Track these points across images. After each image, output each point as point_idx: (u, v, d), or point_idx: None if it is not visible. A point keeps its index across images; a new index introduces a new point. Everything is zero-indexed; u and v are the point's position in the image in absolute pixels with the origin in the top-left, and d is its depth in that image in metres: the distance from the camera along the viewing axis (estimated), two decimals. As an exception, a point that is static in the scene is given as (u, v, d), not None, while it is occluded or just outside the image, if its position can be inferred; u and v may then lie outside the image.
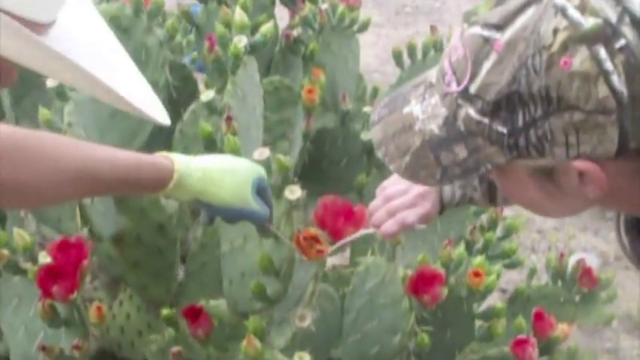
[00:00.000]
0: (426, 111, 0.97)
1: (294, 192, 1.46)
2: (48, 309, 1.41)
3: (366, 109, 2.37)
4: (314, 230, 1.45)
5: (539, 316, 1.87)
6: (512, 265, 2.37)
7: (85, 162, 1.14)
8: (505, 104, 0.89)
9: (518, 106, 0.88)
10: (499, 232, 2.41)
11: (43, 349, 1.42)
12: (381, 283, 1.82)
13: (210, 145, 1.72)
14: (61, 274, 1.38)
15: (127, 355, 2.04)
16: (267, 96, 2.31)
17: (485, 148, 0.93)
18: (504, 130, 0.90)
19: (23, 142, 1.10)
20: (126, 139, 1.82)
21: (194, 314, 1.54)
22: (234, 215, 1.38)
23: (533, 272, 2.45)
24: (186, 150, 1.86)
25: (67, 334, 1.51)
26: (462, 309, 1.88)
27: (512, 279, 3.11)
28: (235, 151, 1.57)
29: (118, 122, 1.81)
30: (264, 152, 1.49)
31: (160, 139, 2.17)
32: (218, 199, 1.33)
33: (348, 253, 2.24)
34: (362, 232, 1.42)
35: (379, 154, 1.02)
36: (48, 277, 1.38)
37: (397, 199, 1.36)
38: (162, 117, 1.04)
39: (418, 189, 1.36)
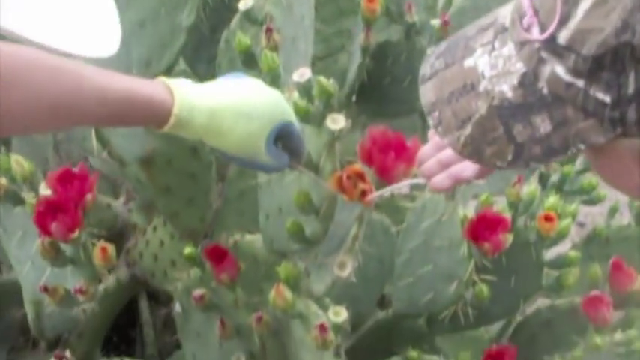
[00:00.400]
0: (495, 65, 0.75)
1: (337, 121, 1.25)
2: (49, 247, 1.24)
3: (435, 21, 2.11)
4: (359, 167, 1.24)
5: (617, 266, 1.65)
6: (592, 202, 2.11)
7: (66, 94, 0.94)
8: (610, 62, 0.66)
9: (629, 65, 0.65)
10: (578, 164, 2.15)
11: (45, 289, 1.25)
12: (437, 224, 1.61)
13: (249, 61, 1.50)
14: (61, 210, 1.21)
15: (160, 285, 1.88)
16: (324, 4, 2.07)
17: (578, 122, 0.71)
18: (606, 98, 0.68)
19: None
20: (155, 50, 1.61)
21: (218, 256, 1.36)
22: (242, 164, 1.18)
23: (614, 210, 2.20)
24: (232, 63, 1.66)
25: (74, 273, 1.35)
26: (529, 255, 1.66)
27: (591, 212, 2.84)
28: (273, 70, 1.36)
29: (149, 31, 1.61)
30: (304, 73, 1.27)
31: (206, 47, 1.96)
32: (223, 147, 1.13)
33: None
34: (411, 181, 1.20)
35: (430, 121, 0.80)
36: (47, 213, 1.20)
37: None
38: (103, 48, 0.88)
39: None
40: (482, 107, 0.77)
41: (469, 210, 1.54)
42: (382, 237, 1.79)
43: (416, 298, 1.68)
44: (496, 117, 0.76)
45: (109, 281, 1.93)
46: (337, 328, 1.27)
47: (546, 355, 1.75)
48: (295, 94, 1.29)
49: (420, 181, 1.16)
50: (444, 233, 1.60)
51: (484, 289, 1.54)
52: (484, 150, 0.79)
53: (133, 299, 2.09)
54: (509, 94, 0.75)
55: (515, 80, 0.74)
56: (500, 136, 0.77)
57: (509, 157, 0.77)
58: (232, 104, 1.09)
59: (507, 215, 1.54)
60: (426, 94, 0.83)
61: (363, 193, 1.20)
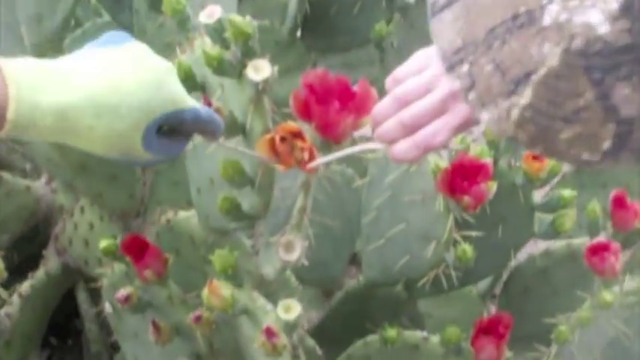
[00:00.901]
0: None
1: (261, 69, 0.97)
2: None
3: None
4: (295, 124, 0.97)
5: (619, 202, 1.40)
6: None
7: None
8: None
9: None
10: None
11: None
12: (405, 176, 1.35)
13: (156, 3, 1.22)
14: None
15: (95, 273, 1.61)
16: None
17: None
18: None
19: None
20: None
21: (138, 249, 1.10)
22: (120, 163, 0.90)
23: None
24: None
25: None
26: (516, 201, 1.41)
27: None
28: (178, 13, 1.08)
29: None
30: (214, 12, 1.00)
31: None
32: (84, 148, 0.84)
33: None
34: (364, 146, 0.94)
35: (455, 79, 0.55)
36: None
37: (417, 101, 0.86)
38: None
39: (449, 82, 0.80)
40: (551, 55, 0.48)
41: (441, 158, 1.28)
42: (346, 191, 1.53)
43: (389, 264, 1.43)
44: (579, 71, 0.48)
45: (38, 275, 1.67)
46: (290, 326, 1.01)
47: (544, 310, 1.51)
48: (207, 41, 1.02)
49: (376, 146, 0.89)
50: (414, 186, 1.34)
51: (467, 249, 1.29)
52: (557, 132, 0.51)
53: (71, 291, 1.82)
54: (604, 28, 0.47)
55: (614, 3, 0.46)
56: (589, 107, 0.49)
57: (606, 145, 0.50)
58: (91, 96, 0.80)
59: (488, 158, 1.27)
60: (444, 33, 0.57)
61: (303, 161, 0.93)
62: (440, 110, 0.84)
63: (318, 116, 0.98)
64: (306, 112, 0.99)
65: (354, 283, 1.54)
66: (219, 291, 1.03)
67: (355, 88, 0.99)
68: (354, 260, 1.93)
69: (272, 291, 1.28)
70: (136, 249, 1.11)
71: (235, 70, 1.00)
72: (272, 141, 0.97)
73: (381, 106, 0.87)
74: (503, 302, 1.73)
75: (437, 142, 0.85)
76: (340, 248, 1.63)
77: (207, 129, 0.92)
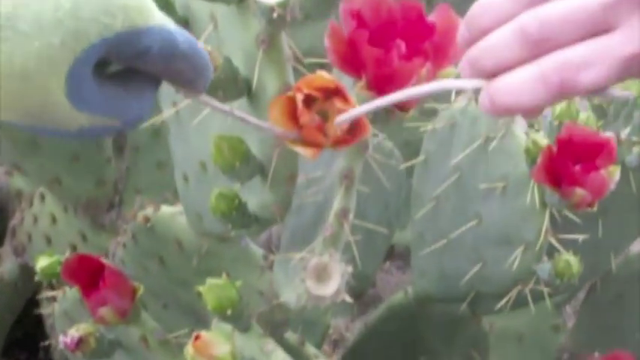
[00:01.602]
0: None
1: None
2: None
3: None
4: (329, 78, 0.58)
5: None
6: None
7: None
8: None
9: None
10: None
11: None
12: (480, 154, 0.95)
13: None
14: None
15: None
16: None
17: None
18: None
19: None
20: None
21: (88, 276, 0.71)
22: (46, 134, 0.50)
23: None
24: None
25: None
26: (625, 187, 1.01)
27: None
28: None
29: None
30: None
31: None
32: None
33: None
34: (442, 83, 0.53)
35: None
36: None
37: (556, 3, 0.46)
38: None
39: None
40: None
41: (537, 131, 0.88)
42: (384, 169, 1.14)
43: (452, 274, 1.04)
44: None
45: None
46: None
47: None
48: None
49: (470, 83, 0.49)
50: (494, 170, 0.95)
51: (572, 261, 0.89)
52: None
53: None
54: None
55: None
56: None
57: None
58: None
59: (597, 131, 0.88)
60: None
61: (343, 139, 0.55)
62: (596, 24, 0.45)
63: (373, 65, 0.58)
64: (350, 59, 0.59)
65: (401, 297, 1.15)
66: (210, 350, 0.65)
67: (431, 17, 0.60)
68: (391, 254, 1.56)
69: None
70: (86, 275, 0.73)
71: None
72: (293, 105, 0.58)
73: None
74: (586, 314, 1.35)
75: (584, 83, 0.45)
76: (374, 240, 1.25)
77: (186, 71, 0.51)
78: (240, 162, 0.67)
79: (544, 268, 0.93)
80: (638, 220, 1.09)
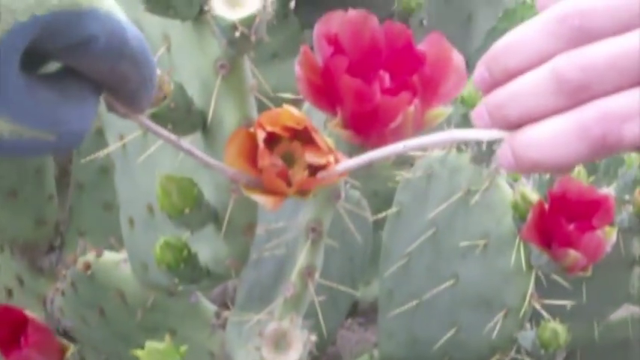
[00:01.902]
0: None
1: (240, 3, 0.49)
2: None
3: None
4: (296, 115, 0.48)
5: None
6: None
7: None
8: None
9: None
10: None
11: None
12: (460, 209, 0.87)
13: None
14: None
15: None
16: None
17: None
18: None
19: None
20: None
21: (10, 332, 0.60)
22: None
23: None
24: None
25: None
26: (613, 250, 0.92)
27: None
28: None
29: None
30: None
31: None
32: None
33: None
34: (454, 134, 0.44)
35: None
36: None
37: (599, 44, 0.37)
38: None
39: None
40: None
41: (525, 184, 0.79)
42: (354, 220, 1.05)
43: (423, 338, 0.94)
44: None
45: None
46: None
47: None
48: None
49: (488, 134, 0.40)
50: (474, 226, 0.86)
51: (559, 330, 0.80)
52: None
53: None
54: None
55: None
56: None
57: None
58: None
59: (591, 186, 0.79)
60: None
61: (308, 182, 0.46)
62: None
63: (351, 99, 0.49)
64: (324, 91, 0.50)
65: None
66: None
67: (422, 46, 0.51)
68: (354, 310, 1.46)
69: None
70: (7, 330, 0.62)
71: (191, 5, 0.51)
72: (253, 143, 0.48)
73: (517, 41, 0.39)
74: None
75: (629, 136, 0.37)
76: (337, 296, 1.15)
77: (132, 77, 0.41)
78: (190, 208, 0.57)
79: (527, 336, 0.84)
80: (626, 286, 1.01)
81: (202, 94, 0.55)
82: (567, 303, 0.83)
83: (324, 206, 0.58)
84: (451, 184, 0.88)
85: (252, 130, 0.48)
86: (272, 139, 0.48)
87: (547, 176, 0.79)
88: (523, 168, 0.39)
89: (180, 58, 0.57)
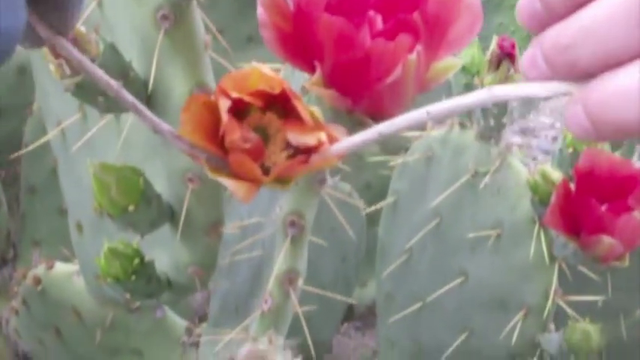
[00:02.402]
0: None
1: None
2: None
3: None
4: (271, 75, 0.36)
5: None
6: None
7: None
8: None
9: None
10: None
11: None
12: (466, 194, 0.75)
13: None
14: None
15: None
16: None
17: None
18: None
19: None
20: None
21: None
22: None
23: None
24: None
25: None
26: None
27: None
28: None
29: None
30: None
31: None
32: None
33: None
34: (502, 88, 0.32)
35: None
36: None
37: None
38: None
39: None
40: None
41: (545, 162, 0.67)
42: (345, 215, 0.94)
43: (430, 345, 0.82)
44: None
45: None
46: None
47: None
48: None
49: (548, 88, 0.28)
50: (484, 213, 0.74)
51: (591, 331, 0.68)
52: None
53: None
54: None
55: None
56: None
57: None
58: None
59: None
60: None
61: (292, 165, 0.33)
62: None
63: (333, 47, 0.37)
64: (298, 41, 0.38)
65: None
66: None
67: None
68: (349, 314, 1.36)
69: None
70: None
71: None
72: (213, 116, 0.36)
73: None
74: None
75: None
76: (330, 300, 1.04)
77: None
78: (135, 204, 0.45)
79: (551, 339, 0.72)
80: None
81: (143, 55, 0.43)
82: (598, 299, 0.72)
83: (306, 194, 0.46)
84: (455, 167, 0.76)
85: (210, 99, 0.36)
86: (237, 111, 0.36)
87: (569, 151, 0.67)
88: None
89: (114, 12, 0.44)
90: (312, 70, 0.38)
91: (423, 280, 0.82)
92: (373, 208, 0.89)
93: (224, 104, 0.35)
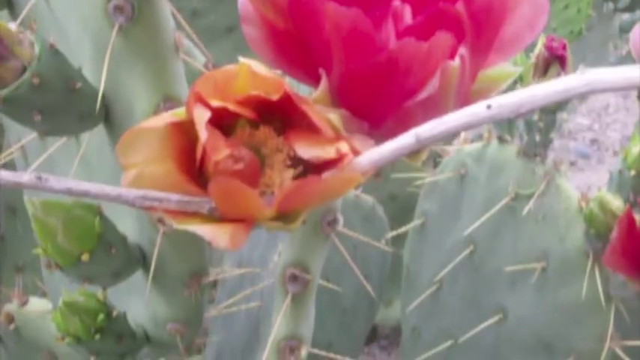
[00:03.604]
0: None
1: None
2: None
3: None
4: (263, 77, 0.25)
5: None
6: None
7: None
8: None
9: None
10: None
11: None
12: (506, 217, 0.64)
13: None
14: None
15: None
16: None
17: None
18: None
19: None
20: None
21: None
22: None
23: None
24: None
25: None
26: None
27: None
28: None
29: None
30: None
31: None
32: None
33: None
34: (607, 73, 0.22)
35: None
36: None
37: None
38: None
39: None
40: None
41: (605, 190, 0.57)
42: (369, 230, 0.84)
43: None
44: None
45: None
46: None
47: None
48: None
49: None
50: (529, 244, 0.63)
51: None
52: None
53: None
54: None
55: None
56: None
57: None
58: None
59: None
60: None
61: (295, 188, 0.23)
62: None
63: (344, 49, 0.27)
64: (294, 42, 0.27)
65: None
66: None
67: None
68: (374, 334, 1.29)
69: None
70: None
71: None
72: (186, 137, 0.26)
73: None
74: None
75: None
76: (352, 322, 0.95)
77: None
78: (90, 251, 0.34)
79: (605, 392, 0.61)
80: None
81: (95, 60, 0.32)
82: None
83: (312, 240, 0.36)
84: (493, 188, 0.65)
85: (179, 115, 0.26)
86: (218, 126, 0.26)
87: (632, 173, 0.56)
88: None
89: (62, 5, 0.34)
90: (315, 80, 0.28)
91: (455, 316, 0.71)
92: (400, 230, 0.79)
93: (201, 116, 0.25)
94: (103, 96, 0.32)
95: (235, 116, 0.27)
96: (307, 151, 0.25)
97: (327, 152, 0.25)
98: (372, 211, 0.92)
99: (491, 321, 0.69)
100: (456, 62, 0.26)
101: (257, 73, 0.26)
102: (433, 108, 0.27)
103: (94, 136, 0.36)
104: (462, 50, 0.26)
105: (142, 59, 0.31)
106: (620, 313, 0.63)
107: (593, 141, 1.63)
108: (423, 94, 0.26)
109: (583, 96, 0.20)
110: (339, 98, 0.28)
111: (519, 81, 0.61)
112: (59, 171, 0.44)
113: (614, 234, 0.51)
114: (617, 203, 0.54)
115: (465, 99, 0.28)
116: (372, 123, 0.28)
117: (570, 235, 0.61)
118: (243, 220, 0.27)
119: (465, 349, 0.73)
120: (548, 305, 0.65)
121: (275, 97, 0.26)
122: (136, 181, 0.26)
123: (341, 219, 0.36)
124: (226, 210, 0.27)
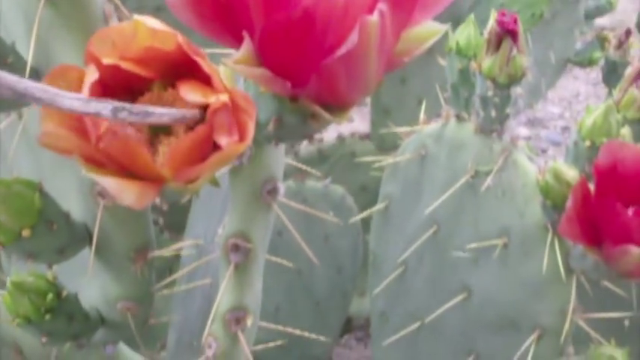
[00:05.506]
0: None
1: None
2: None
3: None
4: (159, 32, 0.25)
5: None
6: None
7: None
8: None
9: None
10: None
11: None
12: (467, 198, 0.64)
13: None
14: None
15: None
16: None
17: None
18: None
19: None
20: None
21: None
22: None
23: None
24: None
25: None
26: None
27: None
28: None
29: None
30: None
31: None
32: None
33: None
34: None
35: None
36: None
37: None
38: None
39: None
40: None
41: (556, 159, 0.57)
42: (334, 224, 0.85)
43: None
44: None
45: None
46: None
47: None
48: None
49: None
50: (490, 220, 0.63)
51: (617, 356, 0.57)
52: None
53: None
54: None
55: None
56: None
57: None
58: None
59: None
60: None
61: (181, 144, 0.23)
62: None
63: (263, 3, 0.27)
64: (220, 6, 0.28)
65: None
66: None
67: None
68: (349, 326, 1.28)
69: None
70: None
71: None
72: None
73: None
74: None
75: None
76: (326, 313, 0.96)
77: None
78: (30, 227, 0.34)
79: (569, 363, 0.62)
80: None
81: (28, 34, 0.32)
82: (624, 316, 0.61)
83: (252, 209, 0.36)
84: (452, 167, 0.65)
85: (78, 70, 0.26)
86: (116, 83, 0.26)
87: (585, 142, 0.56)
88: None
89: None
90: (238, 43, 0.28)
91: (421, 298, 0.71)
92: (365, 213, 0.79)
93: (90, 76, 0.25)
94: (36, 69, 0.32)
95: (131, 74, 0.27)
96: (189, 94, 0.26)
97: (207, 98, 0.25)
98: (341, 201, 0.92)
99: (456, 300, 0.69)
100: (375, 17, 0.26)
101: (153, 28, 0.27)
102: (355, 66, 0.27)
103: (36, 110, 0.36)
104: (381, 6, 0.27)
105: (71, 31, 0.31)
106: (583, 286, 0.64)
107: (565, 129, 1.64)
108: (341, 50, 0.26)
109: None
110: (262, 58, 0.28)
111: (473, 58, 0.62)
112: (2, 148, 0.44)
113: (569, 203, 0.52)
114: (571, 173, 0.54)
115: (389, 57, 0.28)
116: (294, 82, 0.28)
117: (529, 209, 0.61)
118: (146, 177, 0.27)
119: (433, 330, 0.73)
120: (512, 281, 0.65)
121: (170, 47, 0.27)
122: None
123: (282, 188, 0.36)
124: (127, 164, 0.27)
